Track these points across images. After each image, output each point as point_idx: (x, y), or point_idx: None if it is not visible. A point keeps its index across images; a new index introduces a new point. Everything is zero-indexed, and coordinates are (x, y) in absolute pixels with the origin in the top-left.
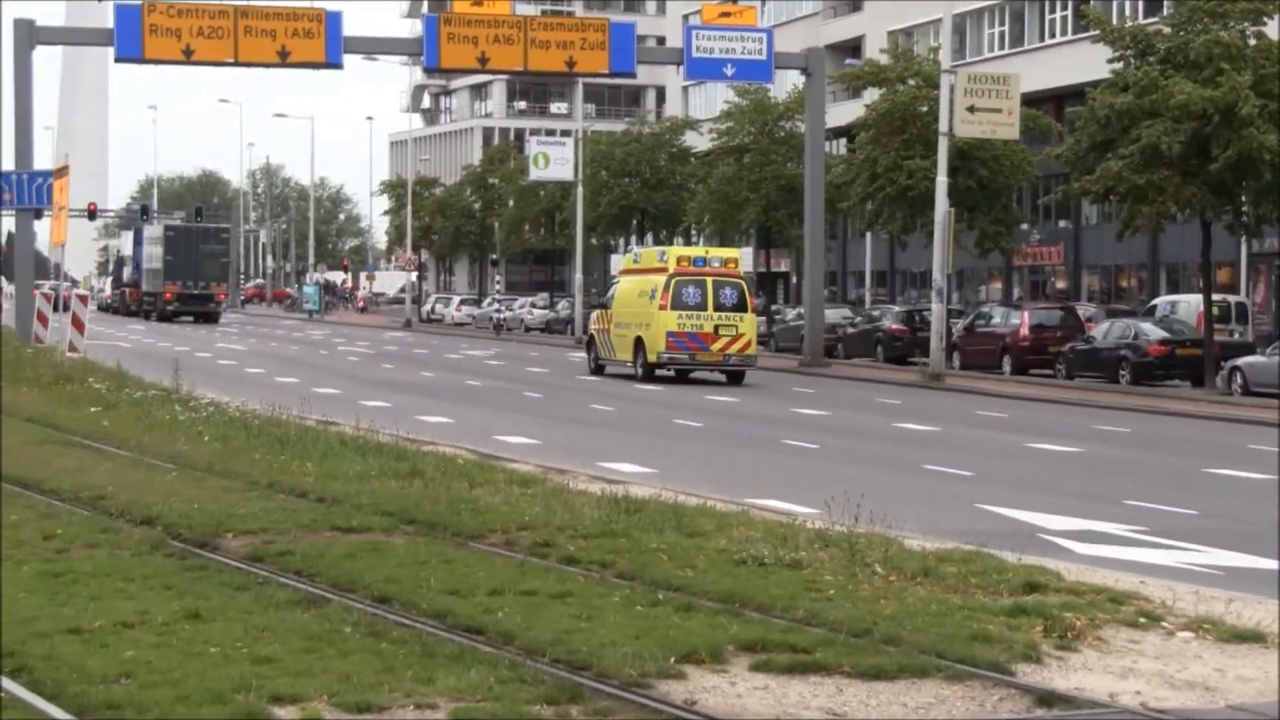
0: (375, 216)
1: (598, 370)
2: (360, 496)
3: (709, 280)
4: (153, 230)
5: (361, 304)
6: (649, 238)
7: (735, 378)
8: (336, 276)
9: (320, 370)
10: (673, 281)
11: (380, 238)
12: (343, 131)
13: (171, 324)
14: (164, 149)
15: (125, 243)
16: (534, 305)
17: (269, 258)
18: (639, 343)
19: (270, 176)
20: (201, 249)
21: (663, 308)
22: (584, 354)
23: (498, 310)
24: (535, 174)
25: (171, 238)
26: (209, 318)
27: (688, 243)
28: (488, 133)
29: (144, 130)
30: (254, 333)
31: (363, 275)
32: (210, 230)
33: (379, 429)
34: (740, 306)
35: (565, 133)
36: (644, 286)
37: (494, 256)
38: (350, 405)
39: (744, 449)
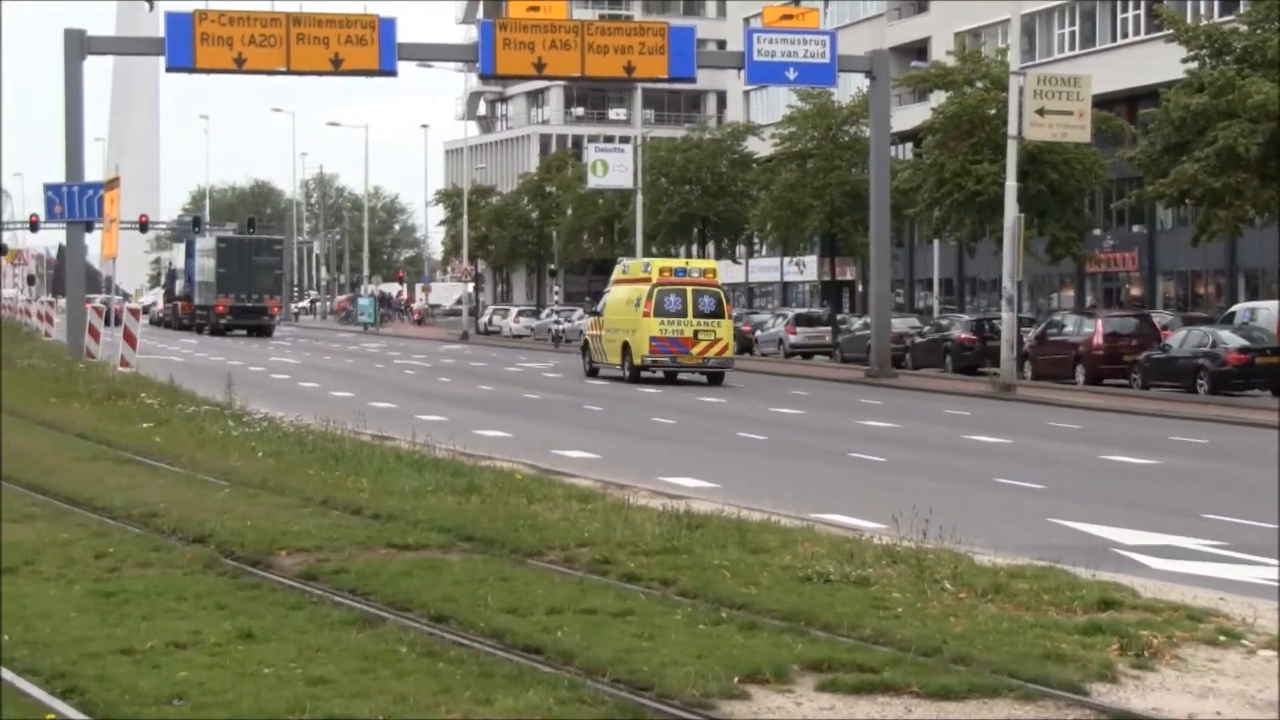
0: (431, 227)
1: (592, 373)
2: (416, 513)
3: (689, 289)
4: (205, 242)
5: (417, 316)
6: (710, 246)
7: (715, 379)
8: (392, 288)
9: (376, 384)
10: (655, 290)
11: (436, 248)
12: (397, 140)
13: (224, 337)
14: (216, 159)
15: (177, 255)
16: (593, 314)
17: (323, 269)
18: (626, 347)
19: (324, 187)
20: (254, 261)
21: (646, 315)
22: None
23: (556, 321)
24: (593, 181)
25: (224, 250)
26: (262, 331)
27: (750, 251)
28: (545, 140)
29: (195, 140)
30: (308, 346)
31: (418, 287)
32: (263, 242)
33: (435, 444)
34: (718, 313)
35: (624, 139)
36: (631, 295)
37: (552, 266)
38: (406, 419)
39: (809, 462)
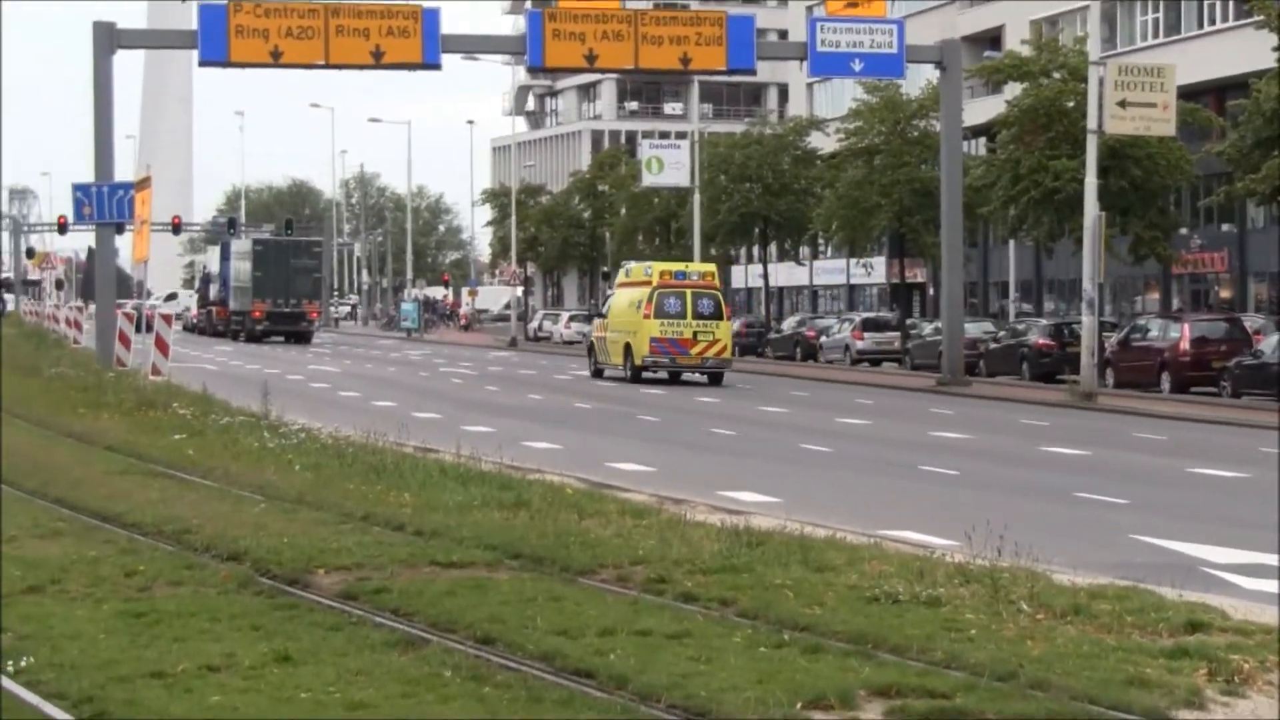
0: (477, 228)
1: (597, 374)
2: (461, 529)
3: (688, 292)
4: (240, 245)
5: (464, 321)
6: (772, 247)
7: (715, 379)
8: (436, 292)
9: (419, 393)
10: (655, 293)
11: (483, 250)
12: (441, 137)
13: (261, 344)
14: (252, 158)
15: (211, 258)
16: None
17: (364, 273)
18: (627, 348)
19: (365, 186)
20: (292, 264)
21: (646, 316)
22: (701, 375)
23: None
24: (648, 179)
25: (260, 252)
26: (301, 337)
27: (815, 251)
28: (597, 136)
29: (230, 138)
30: (348, 353)
31: (464, 291)
32: (301, 244)
33: (482, 456)
34: (716, 315)
35: (680, 135)
36: (633, 298)
37: (605, 269)
38: (451, 430)
39: (877, 476)
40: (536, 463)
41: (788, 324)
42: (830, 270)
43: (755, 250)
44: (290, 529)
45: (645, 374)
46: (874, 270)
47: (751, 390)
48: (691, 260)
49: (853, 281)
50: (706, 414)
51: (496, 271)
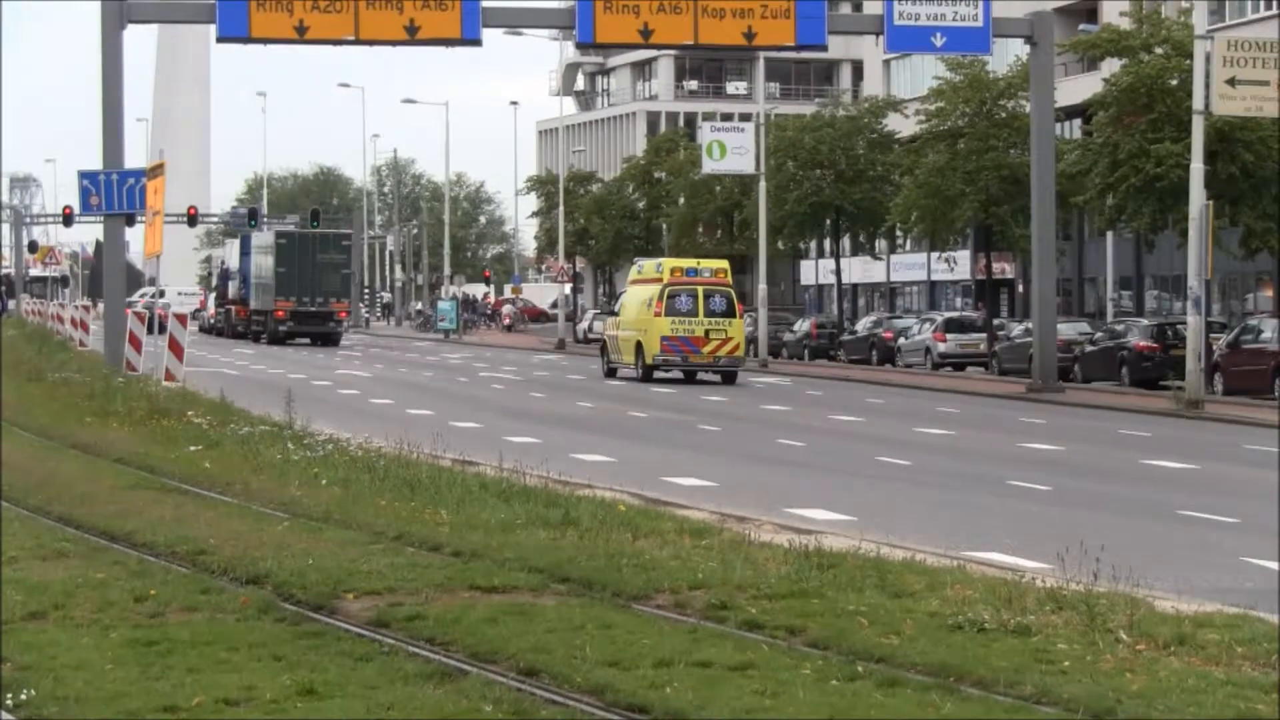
0: (521, 219)
1: (611, 373)
2: (504, 550)
3: (700, 289)
4: (262, 237)
5: (507, 321)
6: (845, 240)
7: (728, 378)
8: (477, 290)
9: (458, 400)
10: (666, 290)
11: (528, 244)
12: (482, 120)
13: (284, 347)
14: (275, 143)
15: (230, 253)
16: None
17: (397, 268)
18: (639, 346)
19: (398, 173)
20: (319, 259)
21: (657, 314)
22: (772, 379)
23: None
24: (709, 166)
25: (284, 246)
26: (328, 339)
27: (893, 245)
28: (652, 118)
29: (251, 121)
30: (380, 357)
31: (507, 288)
32: (329, 237)
33: (526, 469)
34: (729, 313)
35: (744, 117)
36: (645, 295)
37: None
38: (493, 441)
39: (961, 491)
40: (586, 477)
41: (862, 324)
42: (909, 265)
43: (827, 244)
44: (316, 549)
45: (657, 373)
46: (957, 265)
47: (823, 397)
48: (757, 256)
49: (934, 278)
50: (773, 423)
51: (543, 267)
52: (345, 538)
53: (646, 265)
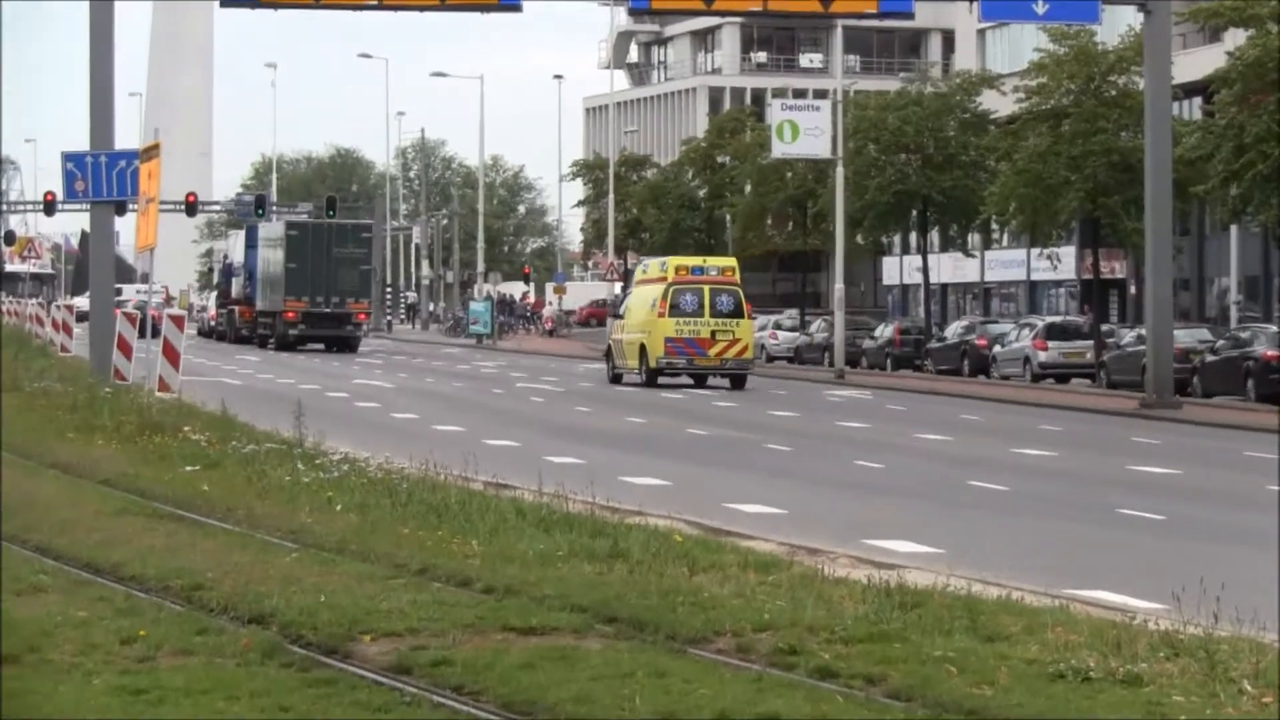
0: (566, 209)
1: (615, 379)
2: (542, 586)
3: (706, 288)
4: (270, 228)
5: (549, 325)
6: (934, 235)
7: (737, 381)
8: (515, 289)
9: (492, 415)
10: (670, 290)
11: (573, 237)
12: (522, 96)
13: (295, 353)
14: (286, 122)
15: (234, 246)
16: (779, 326)
17: (424, 264)
18: (642, 349)
19: (426, 156)
20: (335, 253)
21: (661, 315)
22: (849, 392)
23: None
24: (780, 149)
25: (295, 238)
26: (345, 345)
27: (988, 240)
28: (715, 95)
29: (260, 97)
30: (404, 364)
31: (550, 287)
32: (347, 228)
33: (569, 494)
34: (736, 313)
35: (820, 94)
36: (649, 296)
37: None
38: (531, 462)
39: (1064, 521)
40: (637, 502)
41: (952, 330)
42: (1006, 263)
43: (912, 239)
44: (329, 584)
45: (662, 377)
46: (1061, 264)
47: (907, 413)
48: (833, 252)
49: (1034, 277)
50: (850, 442)
51: (590, 263)
52: (362, 571)
53: (652, 265)
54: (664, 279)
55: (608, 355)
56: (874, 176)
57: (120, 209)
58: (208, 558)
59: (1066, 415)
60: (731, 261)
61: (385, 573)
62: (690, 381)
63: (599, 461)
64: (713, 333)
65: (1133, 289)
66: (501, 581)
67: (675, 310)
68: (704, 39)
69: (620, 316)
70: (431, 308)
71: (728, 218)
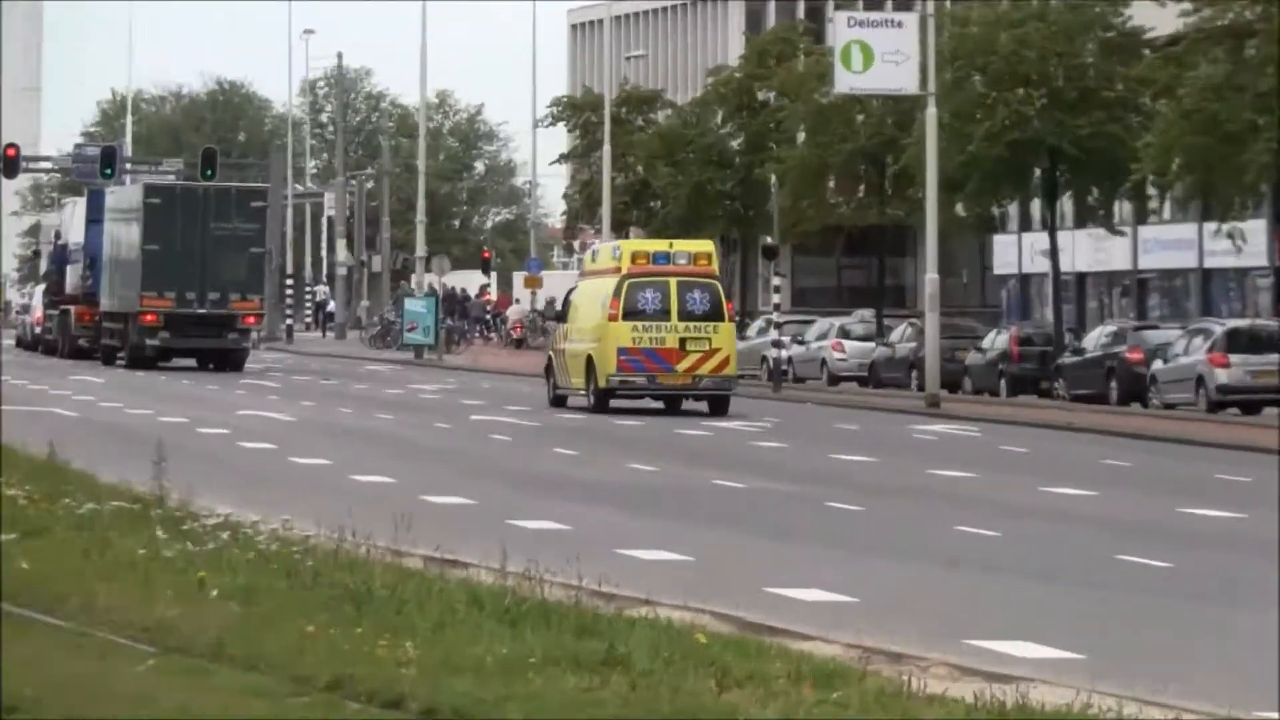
0: (543, 166)
1: (558, 401)
2: (506, 708)
3: (672, 281)
4: (123, 195)
5: (517, 332)
6: (1066, 203)
7: (717, 406)
8: (470, 281)
9: (436, 460)
10: (625, 285)
11: (552, 206)
12: (482, 9)
13: (156, 372)
14: (146, 46)
15: (70, 219)
16: (845, 334)
17: (340, 245)
18: (590, 363)
19: (344, 93)
20: (214, 231)
21: (613, 318)
22: (946, 427)
23: (777, 344)
24: (847, 82)
25: (158, 209)
26: (226, 360)
27: (1142, 211)
28: (755, 6)
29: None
30: (311, 388)
31: (519, 278)
32: (230, 195)
33: (545, 574)
34: (714, 314)
35: (903, 4)
36: (599, 293)
37: (767, 241)
38: (492, 527)
39: (1253, 613)
40: (643, 586)
41: (1093, 339)
42: (1169, 244)
43: (1035, 209)
44: (197, 705)
45: (616, 400)
46: (1247, 244)
47: (1029, 457)
48: (921, 227)
49: (1208, 264)
50: (948, 499)
51: (576, 244)
52: (247, 686)
53: (602, 250)
54: (617, 269)
55: (548, 371)
56: (980, 120)
57: None
58: (25, 669)
59: (1255, 459)
60: (707, 246)
61: (281, 688)
62: (661, 405)
63: (588, 527)
64: (682, 341)
65: None
66: (447, 701)
67: (632, 312)
68: None
69: (563, 320)
70: (350, 308)
71: (772, 179)
